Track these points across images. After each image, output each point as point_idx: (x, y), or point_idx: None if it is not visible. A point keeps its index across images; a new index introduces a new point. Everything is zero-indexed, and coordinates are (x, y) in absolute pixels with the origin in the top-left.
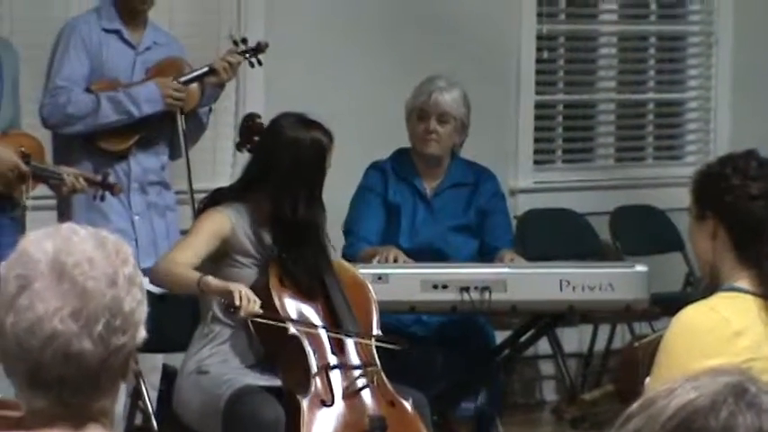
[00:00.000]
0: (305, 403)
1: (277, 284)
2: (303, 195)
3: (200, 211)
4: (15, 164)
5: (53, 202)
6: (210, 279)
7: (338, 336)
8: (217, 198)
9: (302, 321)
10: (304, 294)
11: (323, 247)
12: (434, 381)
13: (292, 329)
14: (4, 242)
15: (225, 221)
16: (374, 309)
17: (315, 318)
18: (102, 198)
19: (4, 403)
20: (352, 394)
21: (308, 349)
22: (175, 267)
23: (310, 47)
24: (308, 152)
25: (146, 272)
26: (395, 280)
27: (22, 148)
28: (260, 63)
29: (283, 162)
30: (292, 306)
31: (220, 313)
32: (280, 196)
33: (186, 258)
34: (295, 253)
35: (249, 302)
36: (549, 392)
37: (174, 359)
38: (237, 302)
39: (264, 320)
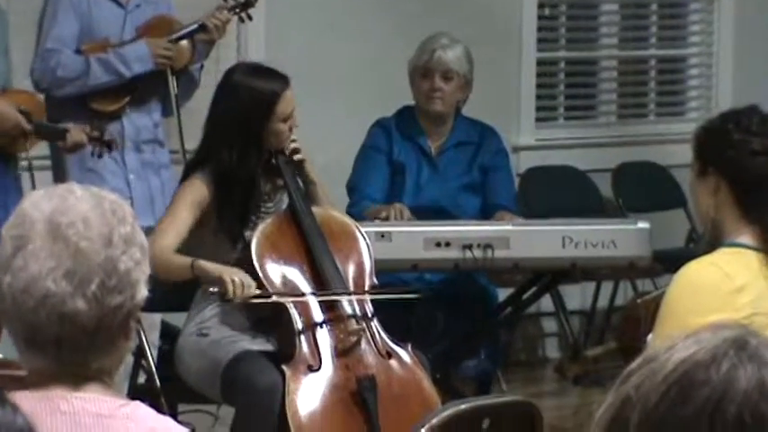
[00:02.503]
0: (289, 372)
1: (259, 252)
2: (240, 142)
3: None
4: (17, 121)
5: (49, 162)
6: (203, 264)
7: (330, 298)
8: (189, 168)
9: (294, 294)
10: (287, 256)
11: (257, 199)
12: (436, 339)
13: (274, 297)
14: (9, 201)
15: (201, 188)
16: (367, 257)
17: (301, 280)
18: (101, 155)
19: (9, 364)
20: (342, 353)
21: (293, 313)
22: (164, 256)
23: (312, 5)
24: (247, 99)
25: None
26: (397, 238)
27: (22, 107)
28: (250, 18)
29: (223, 109)
30: (276, 271)
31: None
32: (217, 143)
33: (170, 240)
34: (228, 203)
35: (243, 288)
36: (552, 350)
37: (172, 317)
38: (231, 291)
39: (259, 300)
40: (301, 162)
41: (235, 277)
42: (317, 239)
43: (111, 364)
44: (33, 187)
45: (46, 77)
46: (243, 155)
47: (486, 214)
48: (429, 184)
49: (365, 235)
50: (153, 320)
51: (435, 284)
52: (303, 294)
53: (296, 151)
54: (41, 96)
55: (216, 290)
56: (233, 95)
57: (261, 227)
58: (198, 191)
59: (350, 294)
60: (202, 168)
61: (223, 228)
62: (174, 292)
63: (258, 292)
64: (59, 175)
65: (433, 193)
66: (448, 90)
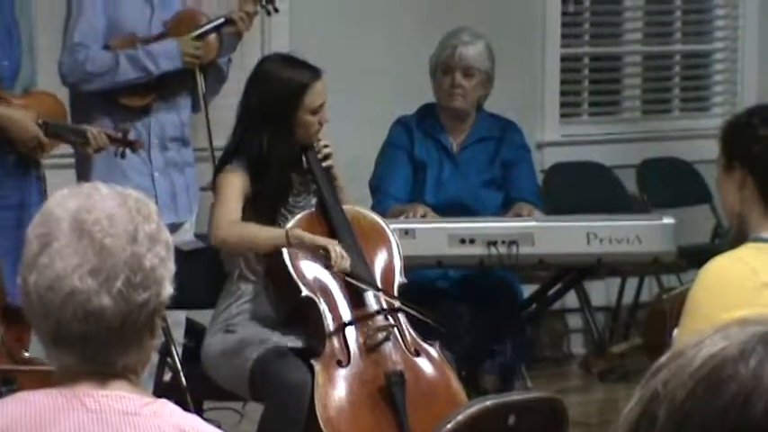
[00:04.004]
0: (319, 366)
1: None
2: (269, 131)
3: (214, 177)
4: (35, 135)
5: (73, 160)
6: (301, 232)
7: (410, 309)
8: (224, 157)
9: (384, 291)
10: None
11: (287, 190)
12: (461, 335)
13: (305, 291)
14: (32, 201)
15: (240, 177)
16: (396, 255)
17: (329, 277)
18: (123, 155)
19: (35, 363)
20: (370, 349)
21: (323, 308)
22: (246, 228)
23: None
24: (277, 88)
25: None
26: (421, 235)
27: (40, 120)
28: (276, 10)
29: (253, 98)
30: (307, 267)
31: (247, 271)
32: (248, 132)
33: (237, 216)
34: (261, 192)
35: (342, 259)
36: (577, 346)
37: (196, 315)
38: (334, 259)
39: (353, 281)
40: (329, 168)
41: (336, 247)
42: (348, 236)
43: (137, 362)
44: (44, 187)
45: (74, 72)
46: (272, 143)
47: (508, 210)
48: (451, 180)
49: (394, 234)
50: (177, 318)
51: (460, 280)
52: (388, 294)
53: (327, 157)
54: (61, 99)
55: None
56: (263, 84)
57: (291, 222)
58: (238, 180)
59: (384, 291)
60: (237, 158)
61: (258, 217)
62: (198, 290)
63: (351, 270)
64: (83, 173)
65: (454, 189)
66: (469, 86)
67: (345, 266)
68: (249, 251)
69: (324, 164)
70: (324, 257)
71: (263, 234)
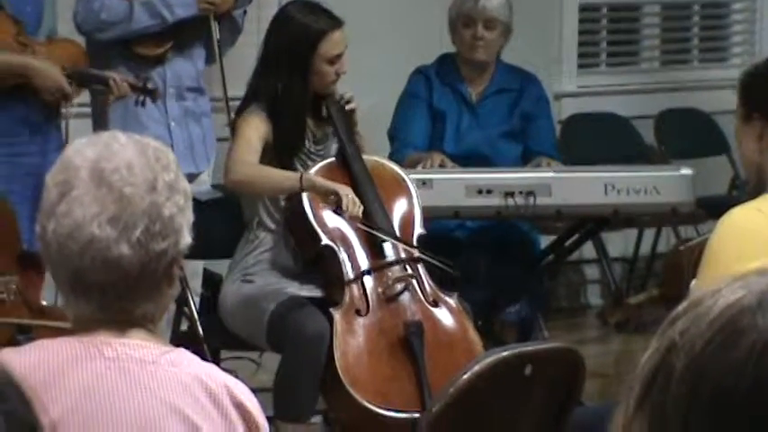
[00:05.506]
0: (338, 315)
1: (310, 195)
2: (285, 75)
3: (234, 121)
4: (60, 84)
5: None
6: (314, 177)
7: (395, 242)
8: (243, 104)
9: (399, 239)
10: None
11: (302, 132)
12: (478, 286)
13: (325, 240)
14: (50, 148)
15: (260, 120)
16: (416, 206)
17: (347, 226)
18: (143, 104)
19: (51, 312)
20: (389, 299)
21: (343, 257)
22: (260, 169)
23: None
24: (294, 33)
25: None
26: (439, 185)
27: (67, 67)
28: None
29: (273, 39)
30: (328, 216)
31: (268, 219)
32: (266, 75)
33: (254, 158)
34: (279, 137)
35: (355, 206)
36: (594, 297)
37: (214, 265)
38: (345, 205)
39: (370, 230)
40: (352, 111)
41: (348, 193)
42: (367, 186)
43: (154, 311)
44: (65, 136)
45: (89, 21)
46: (287, 89)
47: (526, 161)
48: (469, 131)
49: (414, 184)
50: (195, 268)
51: (477, 230)
52: (394, 237)
53: (349, 101)
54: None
55: (332, 198)
56: (282, 28)
57: (311, 170)
58: (259, 122)
59: (403, 241)
60: (256, 101)
61: (277, 163)
62: (215, 240)
63: (362, 218)
64: (100, 122)
65: (473, 140)
66: (490, 38)
67: (357, 213)
68: (262, 193)
69: (347, 106)
70: (335, 203)
71: (277, 176)
